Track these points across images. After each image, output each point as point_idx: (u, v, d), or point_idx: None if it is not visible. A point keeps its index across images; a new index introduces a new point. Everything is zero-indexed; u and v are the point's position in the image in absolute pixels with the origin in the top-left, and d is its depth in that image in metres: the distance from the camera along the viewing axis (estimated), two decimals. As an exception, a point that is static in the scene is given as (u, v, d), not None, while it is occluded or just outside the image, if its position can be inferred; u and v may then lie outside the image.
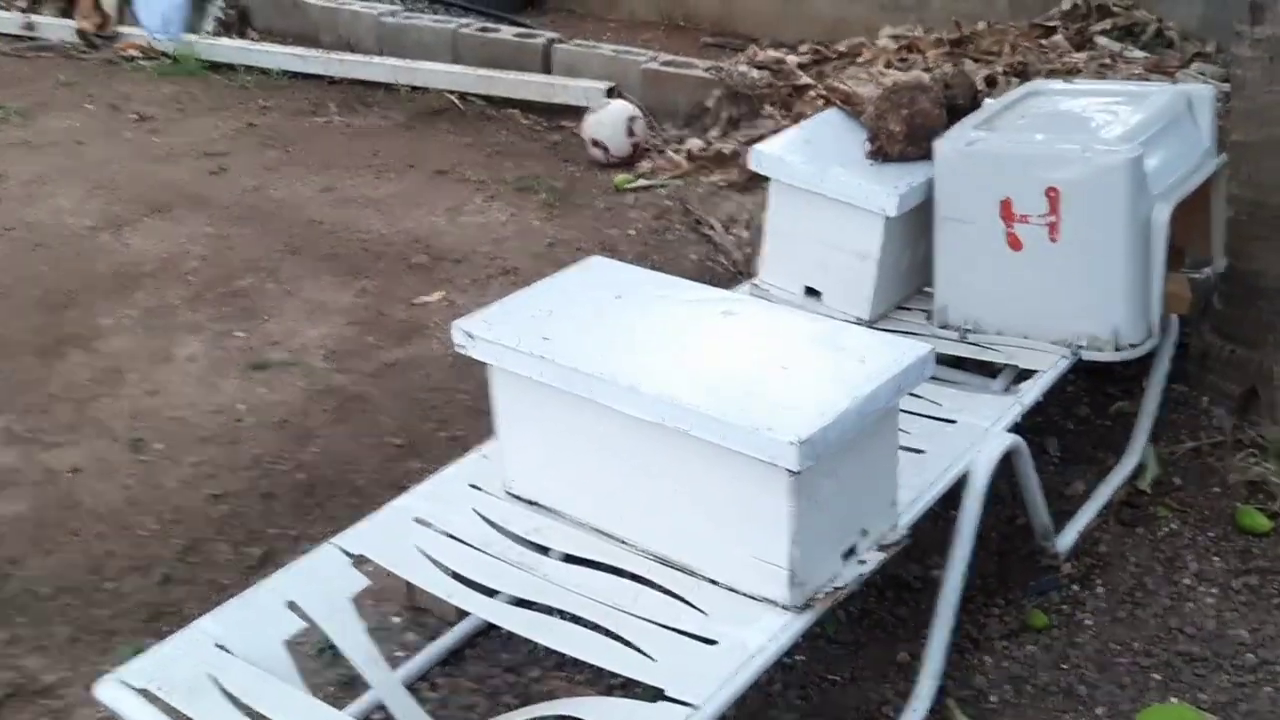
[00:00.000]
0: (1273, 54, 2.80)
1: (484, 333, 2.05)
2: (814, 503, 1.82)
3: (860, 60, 4.91)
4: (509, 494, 2.18)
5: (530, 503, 2.15)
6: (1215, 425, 2.96)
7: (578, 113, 5.15)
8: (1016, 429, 2.45)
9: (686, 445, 1.85)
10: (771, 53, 5.15)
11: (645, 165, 4.86)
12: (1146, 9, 4.92)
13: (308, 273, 4.02)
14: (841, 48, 5.10)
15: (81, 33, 6.46)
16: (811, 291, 2.97)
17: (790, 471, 1.75)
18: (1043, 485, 2.54)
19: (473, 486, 2.22)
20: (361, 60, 5.94)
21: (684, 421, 1.82)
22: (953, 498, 2.26)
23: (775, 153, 2.98)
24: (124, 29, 6.45)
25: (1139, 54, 4.65)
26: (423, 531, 2.12)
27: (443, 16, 6.23)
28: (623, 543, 2.02)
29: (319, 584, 1.99)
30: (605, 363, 1.93)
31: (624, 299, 2.15)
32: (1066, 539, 2.60)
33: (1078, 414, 3.09)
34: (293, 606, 1.94)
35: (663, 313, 2.11)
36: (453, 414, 3.20)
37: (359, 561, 2.06)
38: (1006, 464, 2.37)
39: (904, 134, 2.83)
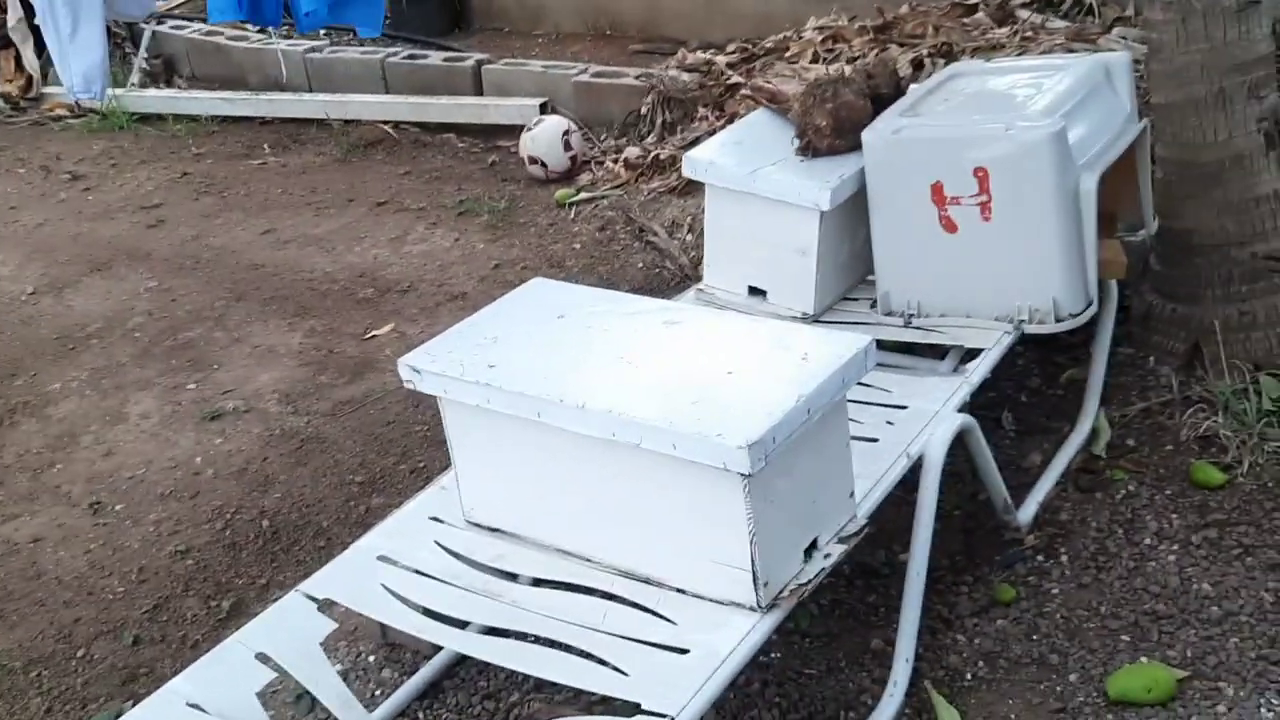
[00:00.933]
0: (1185, 14, 2.85)
1: (429, 366, 2.06)
2: (770, 503, 1.84)
3: (788, 54, 4.94)
4: (470, 523, 2.18)
5: (492, 530, 2.15)
6: (1163, 384, 3.00)
7: (513, 131, 5.16)
8: (968, 408, 2.48)
9: (640, 458, 1.86)
10: (700, 55, 5.18)
11: (585, 178, 4.88)
12: (1064, -23, 4.97)
13: (254, 317, 4.00)
14: (768, 43, 5.13)
15: (6, 96, 6.41)
16: (756, 291, 2.99)
17: (743, 475, 1.77)
18: (1001, 458, 2.57)
19: (434, 519, 2.23)
20: (291, 98, 5.92)
21: (634, 435, 1.84)
22: (912, 481, 2.28)
23: (707, 158, 3.00)
24: (49, 89, 6.41)
25: (1060, 24, 4.70)
26: (388, 569, 2.12)
27: (370, 47, 6.23)
28: (587, 560, 2.03)
29: (287, 633, 1.99)
30: (552, 384, 1.94)
31: (567, 318, 2.16)
32: (1028, 511, 2.63)
33: (1030, 385, 3.13)
34: (262, 658, 1.94)
35: (606, 329, 2.12)
36: (411, 446, 3.20)
37: (326, 606, 2.06)
38: (963, 443, 2.39)
39: (831, 128, 2.86)
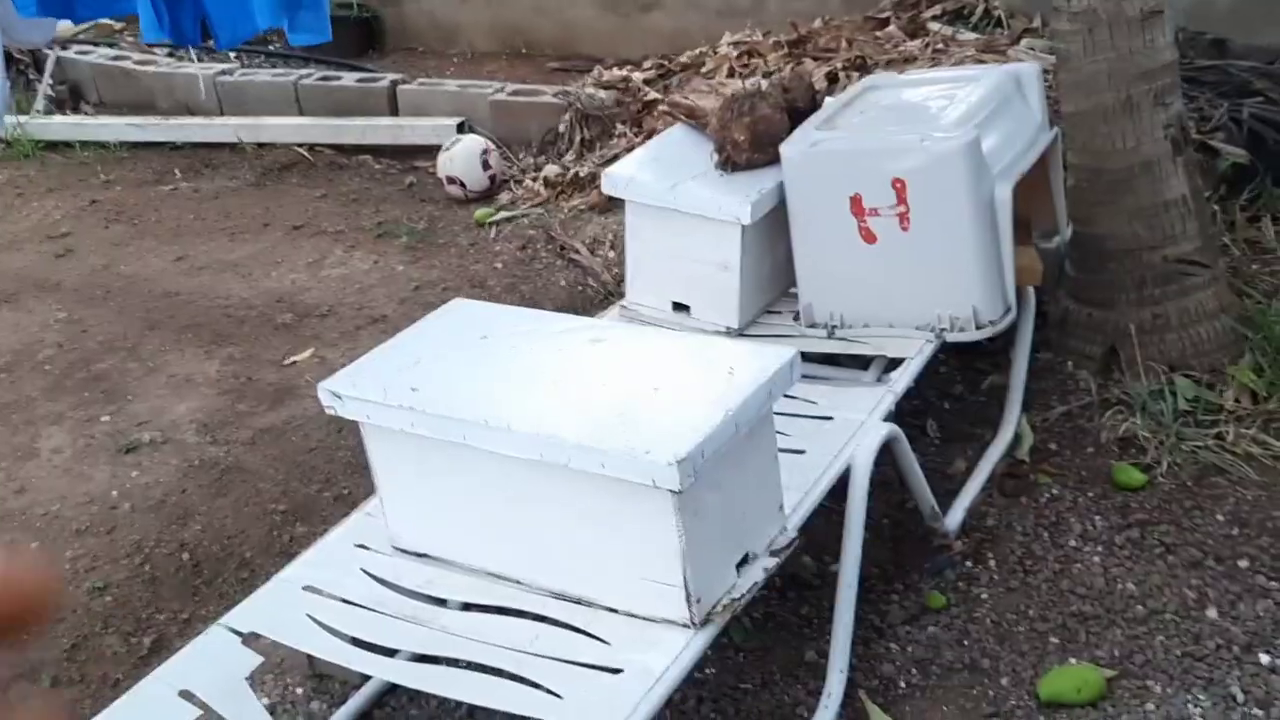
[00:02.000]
0: (1091, 25, 2.91)
1: (350, 391, 2.02)
2: (701, 519, 1.83)
3: (704, 70, 4.96)
4: (397, 549, 2.14)
5: (419, 555, 2.12)
6: (1082, 387, 3.05)
7: (430, 152, 5.12)
8: (893, 416, 2.50)
9: (568, 478, 1.84)
10: (617, 71, 5.19)
11: (504, 197, 4.85)
12: (972, -9, 5.06)
13: (169, 346, 3.92)
14: (685, 59, 5.15)
15: (-96, 126, 6.21)
16: (680, 306, 2.99)
17: (673, 491, 1.75)
18: (927, 466, 2.59)
19: (360, 546, 2.18)
20: (202, 123, 5.82)
21: (562, 455, 1.82)
22: (840, 492, 2.29)
23: (626, 174, 2.99)
24: (-51, 118, 6.23)
25: (971, 35, 4.79)
26: (314, 599, 2.08)
27: (282, 70, 6.15)
28: (517, 583, 2.01)
29: (210, 668, 1.94)
30: (477, 406, 1.91)
31: (490, 339, 2.13)
32: (954, 517, 2.65)
33: (952, 393, 3.16)
34: (186, 695, 1.88)
35: (530, 348, 2.10)
36: (335, 472, 3.15)
37: (251, 639, 2.01)
38: (890, 452, 2.40)
39: (749, 142, 2.87)
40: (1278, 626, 2.29)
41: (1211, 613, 2.35)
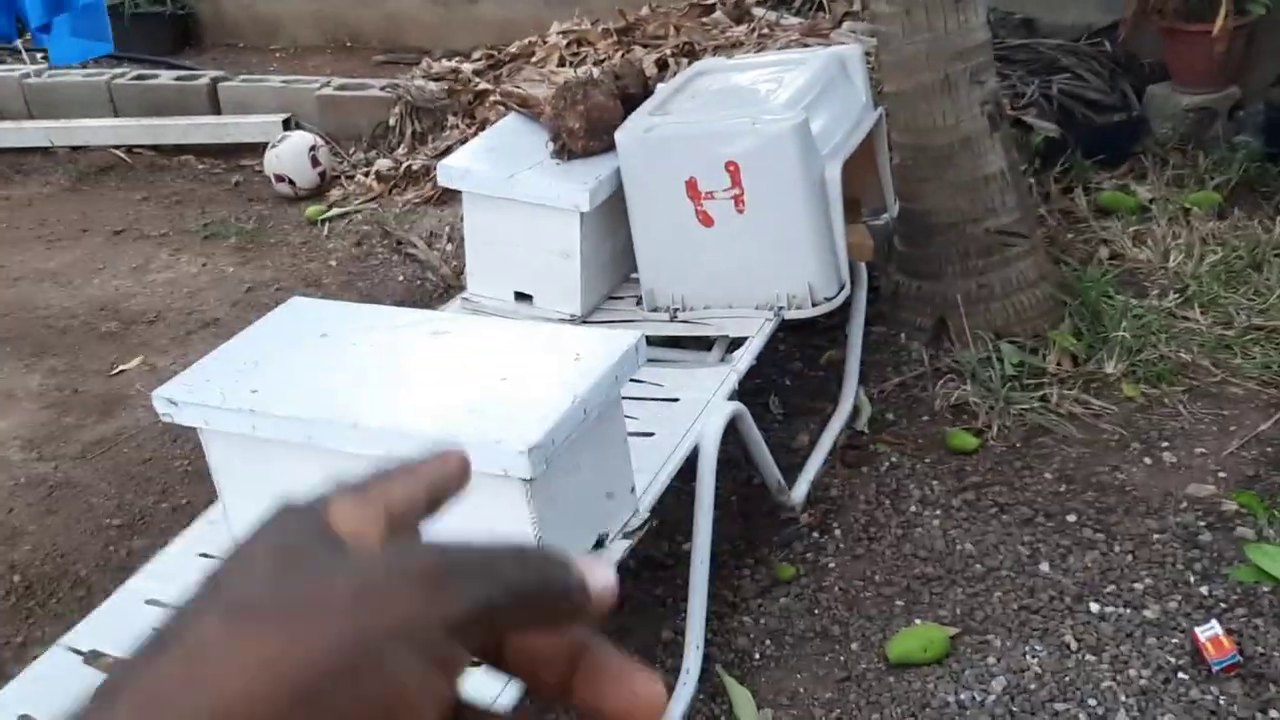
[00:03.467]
0: (908, 7, 3.00)
1: (187, 397, 1.96)
2: (554, 505, 1.83)
3: (534, 59, 4.95)
4: (244, 556, 2.09)
5: (268, 560, 2.06)
6: (915, 358, 3.15)
7: (256, 150, 4.99)
8: (737, 395, 2.54)
9: (418, 472, 1.82)
10: (446, 63, 5.14)
11: (336, 193, 4.76)
12: (788, -24, 5.17)
13: (-13, 361, 3.74)
14: (514, 49, 5.13)
15: None
16: (522, 296, 2.98)
17: (525, 480, 1.75)
18: (771, 441, 2.65)
19: (204, 555, 2.12)
20: (10, 127, 5.55)
21: (411, 449, 1.79)
22: (690, 471, 2.32)
23: (462, 165, 2.97)
24: None
25: (794, 20, 4.88)
26: (158, 613, 2.01)
27: (94, 69, 5.89)
28: (371, 582, 1.98)
29: (52, 690, 1.86)
30: (321, 405, 1.88)
31: (330, 336, 2.09)
32: (800, 490, 2.72)
33: (792, 370, 3.23)
34: (26, 721, 1.80)
35: (372, 344, 2.06)
36: (172, 483, 3.05)
37: (93, 658, 1.94)
38: (735, 430, 2.45)
39: (584, 129, 2.87)
40: (1105, 575, 2.41)
41: (1044, 567, 2.46)
